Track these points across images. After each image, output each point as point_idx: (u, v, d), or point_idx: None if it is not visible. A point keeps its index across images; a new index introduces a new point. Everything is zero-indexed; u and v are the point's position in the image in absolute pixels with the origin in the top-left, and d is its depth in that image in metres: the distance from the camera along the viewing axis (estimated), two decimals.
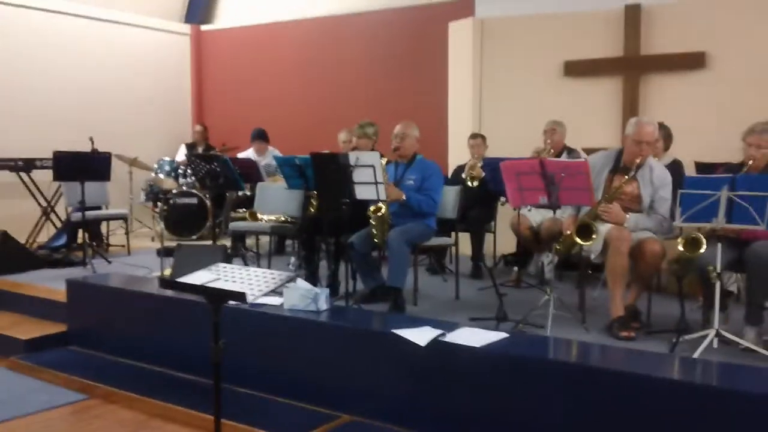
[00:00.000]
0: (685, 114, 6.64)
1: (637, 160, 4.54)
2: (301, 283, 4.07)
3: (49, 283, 5.88)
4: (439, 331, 3.48)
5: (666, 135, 5.90)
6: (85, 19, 9.36)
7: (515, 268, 6.01)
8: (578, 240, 4.45)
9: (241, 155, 7.85)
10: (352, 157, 4.52)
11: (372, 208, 5.02)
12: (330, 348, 3.79)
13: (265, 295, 2.87)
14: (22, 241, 7.50)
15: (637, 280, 4.58)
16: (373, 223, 5.02)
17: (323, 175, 4.73)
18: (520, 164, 4.37)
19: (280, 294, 4.10)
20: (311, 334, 3.88)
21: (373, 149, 5.92)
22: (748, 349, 3.87)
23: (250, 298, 2.81)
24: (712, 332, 3.89)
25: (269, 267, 6.38)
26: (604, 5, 7.21)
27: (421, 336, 3.44)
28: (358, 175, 4.54)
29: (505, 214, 6.75)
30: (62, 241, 7.27)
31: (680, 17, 6.90)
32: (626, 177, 4.55)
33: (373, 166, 4.47)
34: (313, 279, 5.62)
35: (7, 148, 7.76)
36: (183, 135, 10.21)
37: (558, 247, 4.68)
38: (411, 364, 3.48)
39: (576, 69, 7.37)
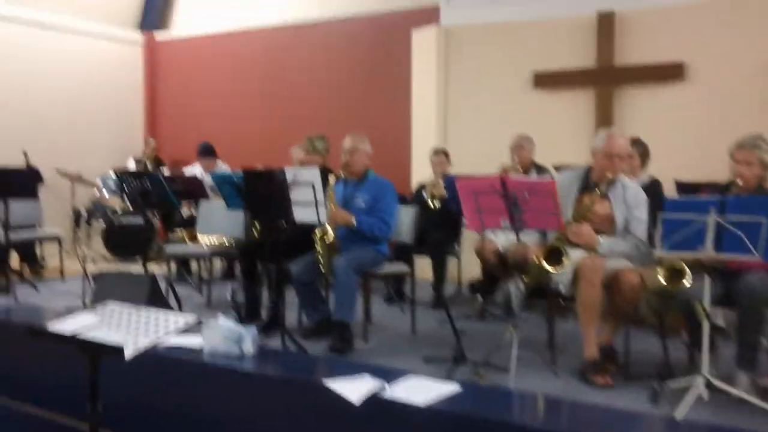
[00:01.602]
0: (662, 129, 6.18)
1: (609, 175, 4.04)
2: (224, 322, 3.49)
3: None
4: (378, 384, 2.91)
5: (642, 151, 5.43)
6: (29, 26, 8.69)
7: (479, 298, 5.46)
8: (547, 267, 3.93)
9: (188, 171, 7.27)
10: (290, 173, 3.96)
11: (318, 232, 4.47)
12: (253, 401, 3.21)
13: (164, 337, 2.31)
14: None
15: (613, 315, 4.06)
16: (319, 249, 4.47)
17: (258, 195, 4.17)
18: (478, 183, 3.84)
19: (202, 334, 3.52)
20: (231, 384, 3.29)
21: (324, 166, 5.37)
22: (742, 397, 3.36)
23: (129, 352, 2.24)
24: (700, 380, 3.36)
25: (209, 294, 5.79)
26: (575, 12, 6.76)
27: (356, 390, 2.88)
28: (296, 194, 3.99)
29: (470, 236, 6.21)
30: None
31: (657, 25, 6.46)
32: (596, 194, 4.05)
33: (312, 184, 3.92)
34: (254, 311, 5.06)
35: None
36: (134, 149, 9.59)
37: (525, 278, 4.14)
38: (345, 424, 2.91)
39: (546, 80, 6.90)
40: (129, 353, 2.22)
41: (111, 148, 9.59)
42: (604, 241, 4.02)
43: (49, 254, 7.46)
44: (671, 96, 6.38)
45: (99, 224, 8.10)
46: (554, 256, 3.95)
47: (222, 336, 3.44)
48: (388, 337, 4.82)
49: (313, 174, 3.91)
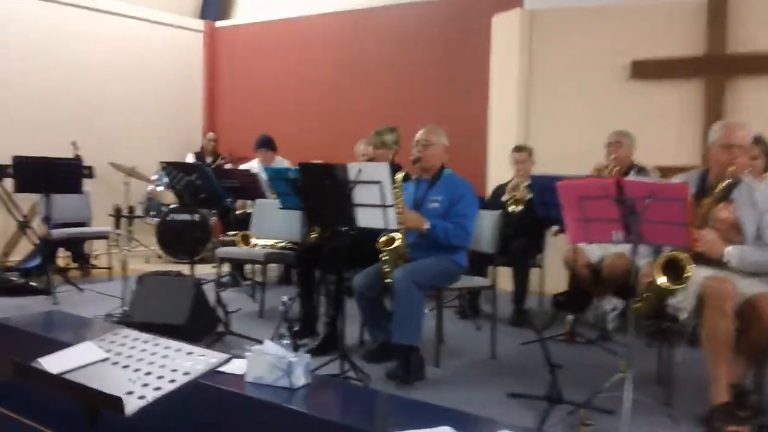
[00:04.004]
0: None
1: (730, 170, 3.28)
2: (272, 347, 2.88)
3: None
4: None
5: (766, 151, 4.62)
6: (83, 10, 8.29)
7: (569, 317, 4.71)
8: (664, 283, 3.18)
9: (244, 166, 6.75)
10: (353, 169, 3.33)
11: (383, 238, 3.84)
12: None
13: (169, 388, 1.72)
14: None
15: (748, 351, 3.29)
16: (385, 258, 3.83)
17: (316, 193, 3.56)
18: (584, 185, 3.14)
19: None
20: (275, 423, 2.69)
21: (393, 162, 4.73)
22: None
23: (130, 407, 1.64)
24: None
25: (263, 302, 5.22)
26: None
27: None
28: (360, 195, 3.36)
29: (556, 244, 5.48)
30: (36, 262, 6.22)
31: None
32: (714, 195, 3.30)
33: (380, 183, 3.28)
34: (310, 325, 4.46)
35: None
36: (192, 143, 9.16)
37: (638, 304, 3.40)
38: None
39: (646, 70, 6.09)
40: (130, 409, 1.62)
41: (170, 141, 9.17)
42: (732, 250, 3.26)
43: (102, 251, 7.07)
44: None
45: (153, 221, 7.70)
46: (672, 269, 3.22)
47: (268, 364, 2.85)
48: (464, 362, 4.15)
49: (381, 170, 3.27)
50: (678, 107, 5.94)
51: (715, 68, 5.75)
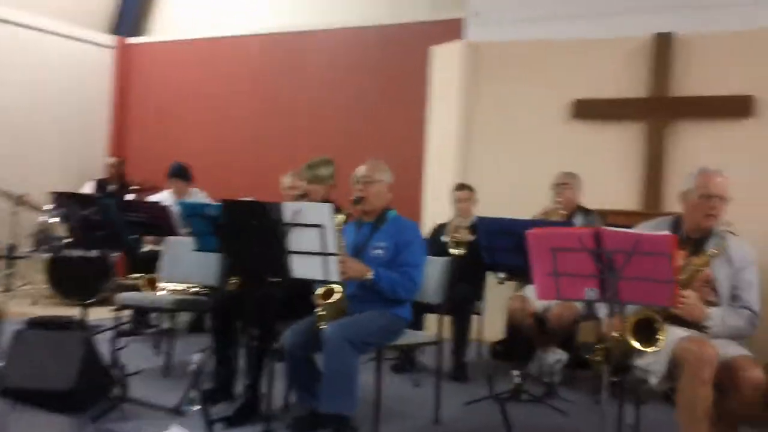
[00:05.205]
0: (726, 172, 5.15)
1: (707, 224, 3.07)
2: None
3: None
4: None
5: None
6: None
7: (515, 375, 4.25)
8: (636, 345, 2.81)
9: (154, 197, 6.07)
10: (289, 209, 2.81)
11: (320, 290, 3.31)
12: None
13: None
14: None
15: (725, 420, 2.93)
16: (322, 313, 3.29)
17: (242, 236, 3.00)
18: (560, 234, 2.72)
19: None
20: None
21: (327, 199, 4.22)
22: None
23: None
24: None
25: (170, 356, 4.53)
26: (626, 32, 5.77)
27: None
28: (298, 240, 2.83)
29: (496, 291, 5.11)
30: None
31: (722, 52, 5.48)
32: (709, 253, 2.95)
33: (321, 227, 2.76)
34: (225, 388, 3.85)
35: None
36: (97, 168, 8.35)
37: (597, 358, 2.98)
38: None
39: (588, 110, 5.88)
40: None
41: (67, 166, 8.29)
42: (714, 313, 2.95)
43: None
44: (736, 134, 5.38)
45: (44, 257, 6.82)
46: (644, 330, 2.85)
47: None
48: (405, 428, 3.64)
49: (324, 212, 2.77)
50: (619, 149, 5.76)
51: (658, 111, 5.59)
